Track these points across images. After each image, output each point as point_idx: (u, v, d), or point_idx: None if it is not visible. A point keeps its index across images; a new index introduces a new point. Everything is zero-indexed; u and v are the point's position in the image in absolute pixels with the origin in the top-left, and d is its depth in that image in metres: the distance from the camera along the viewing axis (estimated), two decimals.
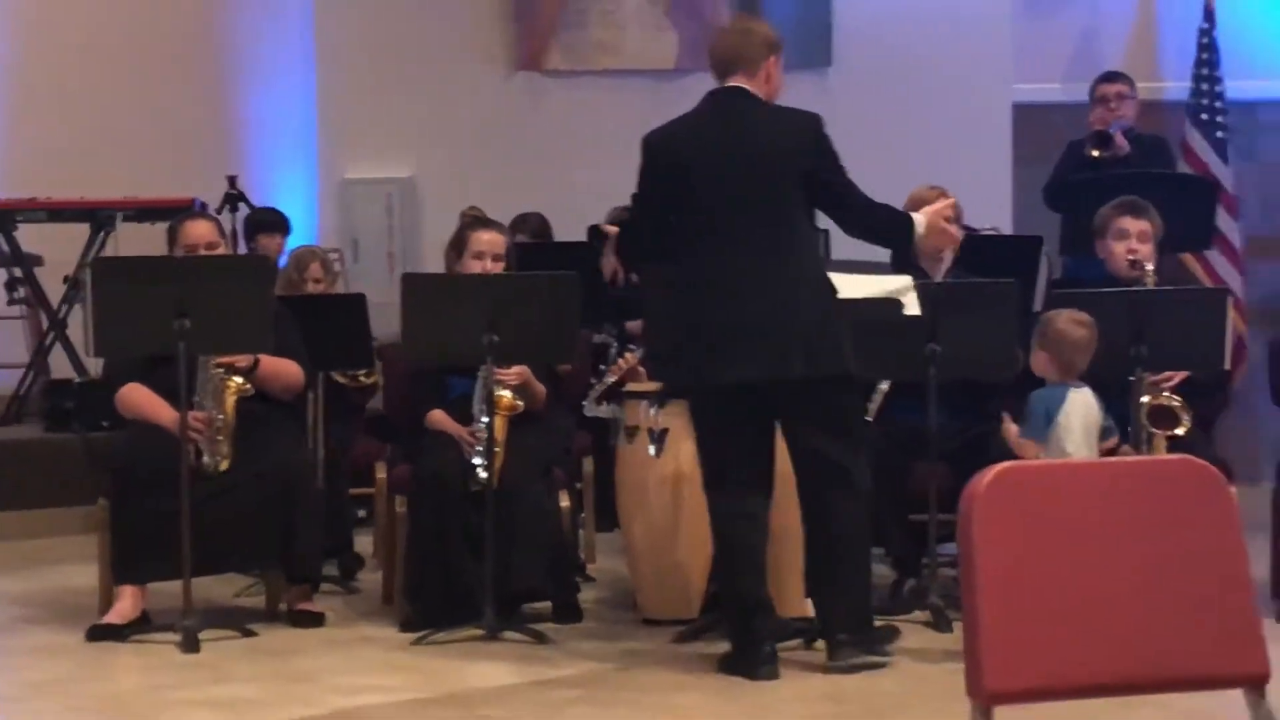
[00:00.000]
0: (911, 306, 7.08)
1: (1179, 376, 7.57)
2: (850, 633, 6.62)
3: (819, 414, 6.67)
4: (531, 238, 9.54)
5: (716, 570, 7.22)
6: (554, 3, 10.97)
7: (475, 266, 7.78)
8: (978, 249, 8.37)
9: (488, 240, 7.89)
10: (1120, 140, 9.85)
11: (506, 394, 7.46)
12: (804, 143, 6.71)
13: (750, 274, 6.60)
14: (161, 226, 8.83)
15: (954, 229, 7.27)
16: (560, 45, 10.99)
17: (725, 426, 6.71)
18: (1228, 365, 8.08)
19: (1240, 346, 10.10)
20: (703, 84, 10.46)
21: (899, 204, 7.18)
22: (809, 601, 7.16)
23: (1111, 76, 10.26)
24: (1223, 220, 10.38)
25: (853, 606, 6.70)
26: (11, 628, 7.71)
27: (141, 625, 7.33)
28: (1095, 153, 9.86)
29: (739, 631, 6.72)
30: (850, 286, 6.87)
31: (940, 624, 7.17)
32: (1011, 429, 7.08)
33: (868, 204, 6.82)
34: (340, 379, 8.66)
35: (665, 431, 7.50)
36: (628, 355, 8.16)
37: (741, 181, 6.63)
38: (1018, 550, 3.43)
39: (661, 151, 6.79)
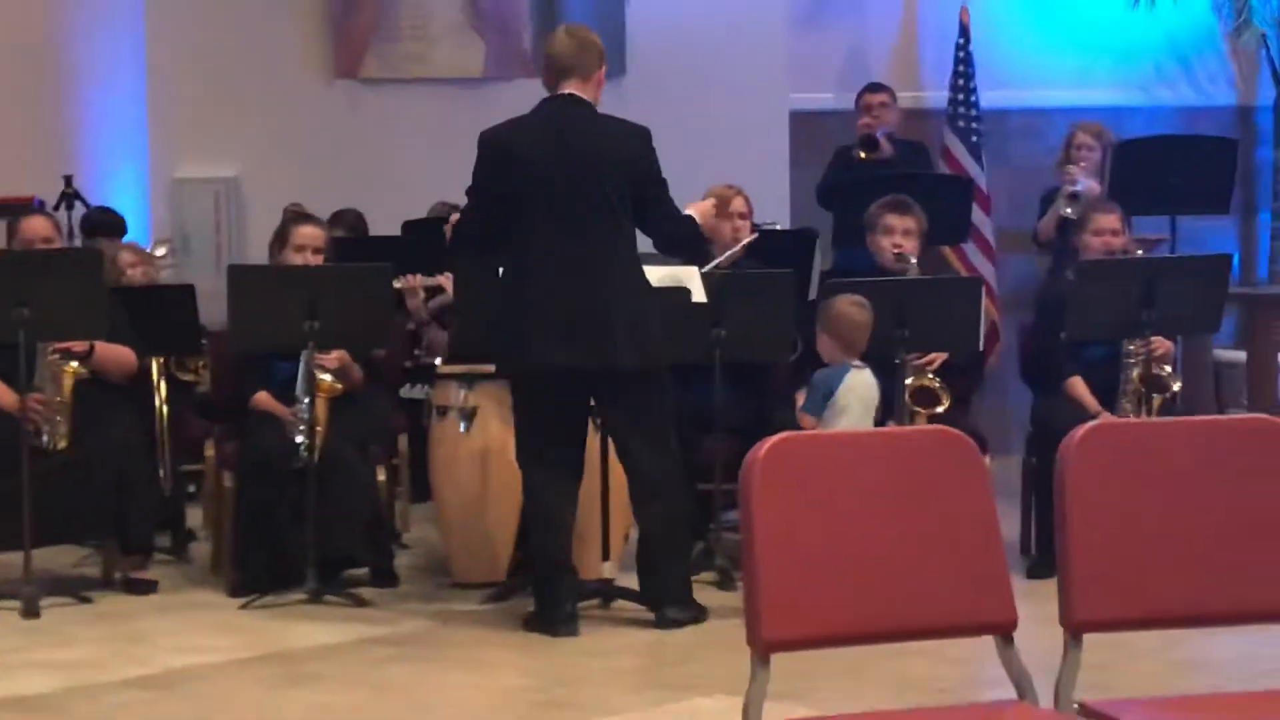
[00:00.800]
0: (698, 294, 7.15)
1: (940, 358, 7.69)
2: (676, 605, 6.77)
3: (635, 408, 6.77)
4: (348, 233, 9.48)
5: (523, 537, 7.29)
6: (369, 16, 10.91)
7: (297, 258, 7.74)
8: (759, 242, 8.45)
9: (308, 234, 7.86)
10: (885, 144, 10.00)
11: (326, 377, 7.43)
12: (636, 154, 6.78)
13: (580, 268, 6.65)
14: (1, 223, 8.73)
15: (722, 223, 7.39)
16: (375, 55, 10.93)
17: (546, 407, 6.75)
18: (981, 347, 8.23)
19: (993, 331, 10.24)
20: (508, 91, 10.57)
21: (694, 199, 7.23)
22: (605, 564, 7.23)
23: (875, 87, 10.40)
24: (977, 216, 10.49)
25: (676, 583, 6.85)
26: None
27: None
28: (862, 155, 10.01)
29: (543, 593, 6.77)
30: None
31: (725, 583, 7.25)
32: (797, 403, 7.21)
33: (676, 216, 6.92)
34: (182, 376, 8.57)
35: (474, 410, 7.50)
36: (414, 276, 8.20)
37: (577, 182, 6.66)
38: (792, 513, 3.47)
39: (498, 148, 6.78)
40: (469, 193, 6.93)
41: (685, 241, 7.06)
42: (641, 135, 6.82)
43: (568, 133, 6.73)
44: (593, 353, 6.61)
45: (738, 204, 8.17)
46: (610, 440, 7.01)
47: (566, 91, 6.77)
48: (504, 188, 6.73)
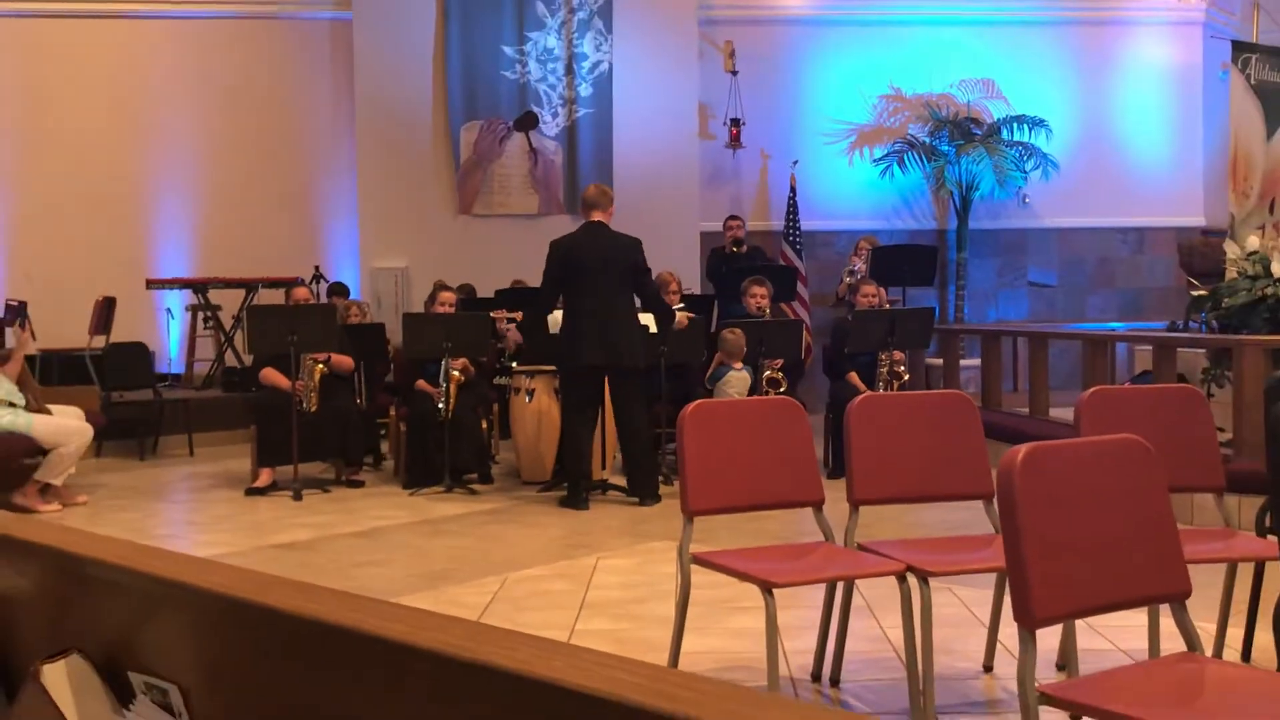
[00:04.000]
0: (652, 328, 7.15)
1: (780, 362, 7.69)
2: (649, 495, 6.73)
3: (631, 387, 6.76)
4: (466, 297, 9.48)
5: (560, 456, 7.26)
6: (476, 180, 10.88)
7: (440, 309, 7.71)
8: (685, 301, 8.49)
9: (446, 297, 7.84)
10: (743, 245, 10.02)
11: (455, 372, 7.39)
12: (634, 254, 6.75)
13: (605, 313, 6.64)
14: (282, 290, 8.72)
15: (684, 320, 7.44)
16: (480, 201, 10.91)
17: (584, 385, 6.75)
18: (803, 356, 8.23)
19: (809, 348, 10.24)
20: (550, 221, 10.53)
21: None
22: (604, 471, 7.21)
23: (732, 217, 10.44)
24: (800, 288, 10.54)
25: (649, 482, 6.77)
26: (206, 489, 7.55)
27: (272, 488, 7.24)
28: (735, 249, 10.00)
29: (572, 485, 6.73)
30: None
31: (668, 480, 7.21)
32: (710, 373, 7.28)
33: (654, 293, 6.96)
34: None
35: (534, 390, 7.47)
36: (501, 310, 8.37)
37: (604, 269, 6.65)
38: (706, 441, 3.45)
39: (562, 250, 6.75)
40: (544, 276, 6.83)
41: (656, 308, 7.05)
42: (636, 244, 6.80)
43: (597, 242, 6.71)
44: (612, 357, 6.63)
45: (674, 285, 8.27)
46: (611, 404, 6.96)
47: (595, 219, 6.76)
48: (564, 270, 6.70)
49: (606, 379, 6.84)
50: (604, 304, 6.64)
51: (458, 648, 0.95)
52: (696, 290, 10.24)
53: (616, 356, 6.64)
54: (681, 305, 8.13)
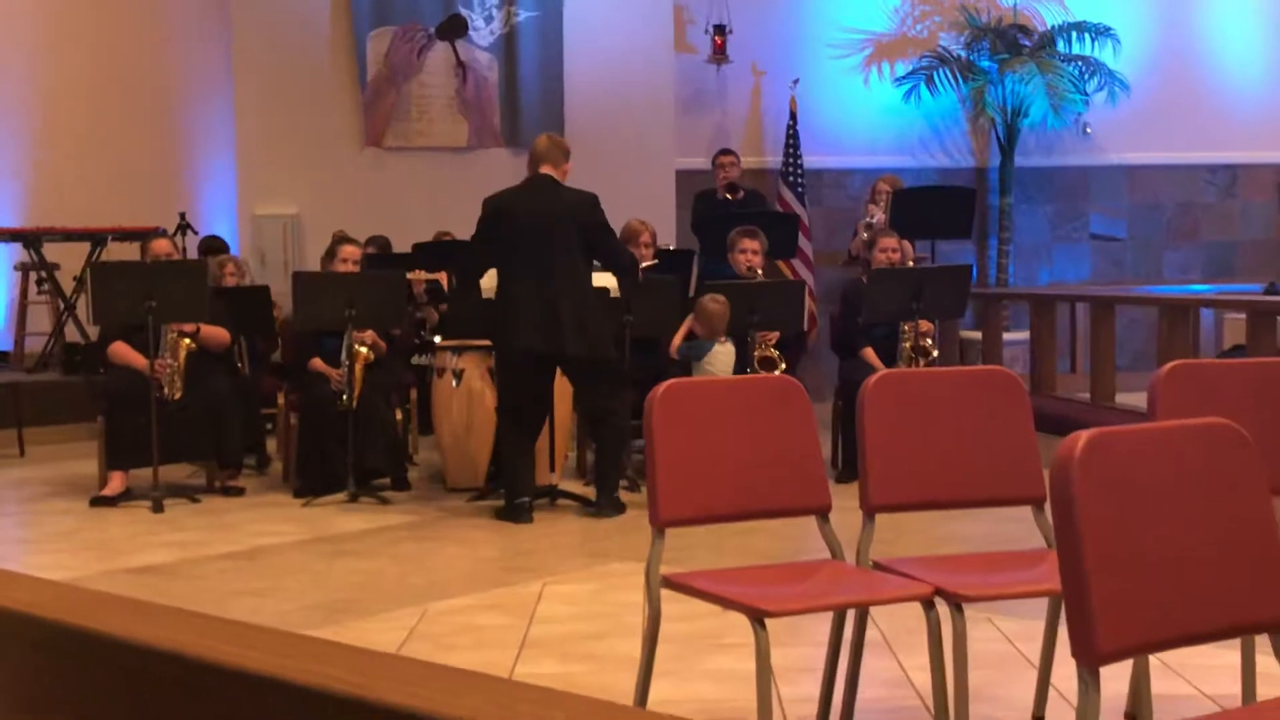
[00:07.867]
0: (615, 292, 7.16)
1: (776, 335, 7.71)
2: (612, 505, 6.78)
3: (590, 376, 6.80)
4: (377, 250, 9.46)
5: (495, 457, 7.27)
6: (388, 103, 10.85)
7: (341, 268, 7.71)
8: (659, 258, 8.51)
9: (349, 251, 7.84)
10: (740, 191, 10.08)
11: (361, 348, 7.39)
12: (587, 211, 6.76)
13: (545, 287, 6.65)
14: (136, 244, 8.66)
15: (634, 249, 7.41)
16: (392, 130, 10.87)
17: (522, 376, 6.77)
18: (805, 328, 8.26)
19: (812, 317, 10.30)
20: (484, 156, 10.54)
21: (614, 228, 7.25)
22: (552, 475, 7.22)
23: (725, 151, 10.46)
24: (801, 241, 10.57)
25: (612, 489, 6.84)
26: (41, 498, 7.51)
27: (126, 496, 7.23)
28: (728, 196, 10.05)
29: (510, 494, 6.75)
30: None
31: (634, 487, 7.23)
32: (675, 342, 7.35)
33: (618, 251, 6.96)
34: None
35: (462, 371, 7.48)
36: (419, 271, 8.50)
37: (548, 231, 6.66)
38: (681, 432, 3.44)
39: (497, 208, 6.78)
40: (473, 239, 6.89)
41: (625, 270, 7.06)
42: (590, 200, 6.81)
43: (544, 198, 6.74)
44: (550, 342, 6.65)
45: (645, 236, 8.27)
46: (572, 391, 7.01)
47: (543, 171, 6.77)
48: (499, 234, 6.72)
49: (560, 371, 6.88)
50: (545, 276, 6.68)
51: (360, 687, 0.93)
52: (672, 244, 10.25)
53: (558, 340, 6.65)
54: (655, 261, 8.13)
